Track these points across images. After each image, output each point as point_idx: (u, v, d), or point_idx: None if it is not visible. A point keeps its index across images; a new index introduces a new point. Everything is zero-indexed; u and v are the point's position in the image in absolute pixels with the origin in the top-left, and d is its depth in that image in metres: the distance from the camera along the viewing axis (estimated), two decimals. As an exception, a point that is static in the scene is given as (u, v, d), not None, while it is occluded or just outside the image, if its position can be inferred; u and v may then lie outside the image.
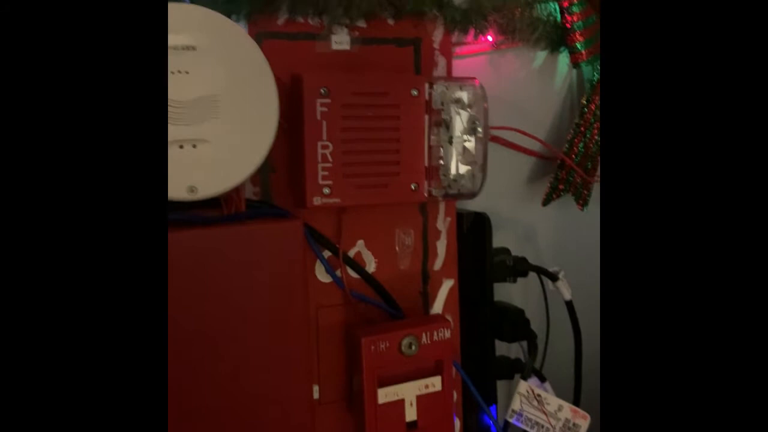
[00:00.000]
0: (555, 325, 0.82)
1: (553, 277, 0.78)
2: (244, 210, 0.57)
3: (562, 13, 0.76)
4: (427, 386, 0.65)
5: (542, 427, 0.70)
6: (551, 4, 0.76)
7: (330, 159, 0.59)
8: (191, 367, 0.53)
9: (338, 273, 0.65)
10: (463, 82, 0.64)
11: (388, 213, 0.69)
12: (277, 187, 0.64)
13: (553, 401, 0.70)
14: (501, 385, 0.80)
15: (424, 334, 0.65)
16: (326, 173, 0.59)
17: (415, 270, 0.71)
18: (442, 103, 0.63)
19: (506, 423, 0.72)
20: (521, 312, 0.77)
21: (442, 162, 0.64)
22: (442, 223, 0.72)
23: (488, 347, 0.76)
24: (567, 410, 0.70)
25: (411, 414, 0.65)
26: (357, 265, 0.67)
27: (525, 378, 0.72)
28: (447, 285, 0.72)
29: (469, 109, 0.64)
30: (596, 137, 0.80)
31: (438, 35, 0.70)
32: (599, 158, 0.80)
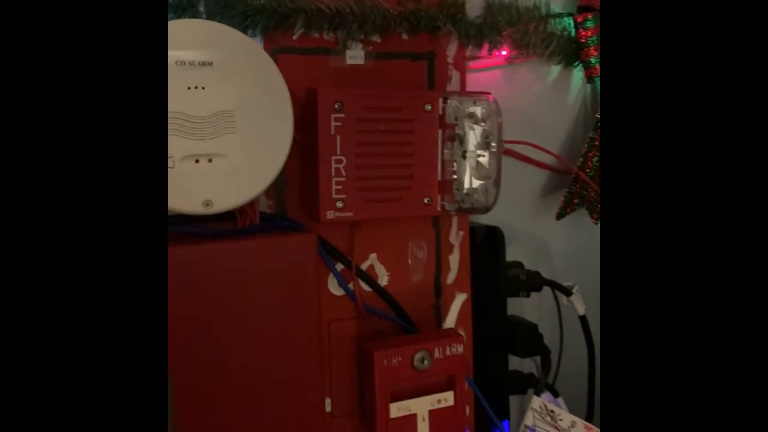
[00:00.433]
0: (569, 340, 0.81)
1: (567, 292, 0.77)
2: (258, 223, 0.57)
3: (576, 28, 0.76)
4: (439, 401, 0.65)
5: (555, 443, 0.70)
6: (566, 19, 0.76)
7: (343, 173, 0.60)
8: (202, 380, 0.53)
9: (351, 286, 0.65)
10: (476, 96, 0.65)
11: (401, 226, 0.69)
12: (291, 201, 0.64)
13: (566, 417, 0.70)
14: (514, 401, 0.79)
15: (436, 349, 0.65)
16: (339, 187, 0.60)
17: (428, 283, 0.71)
18: (456, 118, 0.63)
19: (519, 438, 0.72)
20: (534, 327, 0.76)
21: (455, 176, 0.64)
22: (455, 236, 0.72)
23: (501, 362, 0.76)
24: (580, 426, 0.69)
25: (423, 429, 0.64)
26: (369, 278, 0.67)
27: (538, 393, 0.72)
28: (460, 299, 0.72)
29: (482, 124, 0.64)
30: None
31: (452, 50, 0.70)
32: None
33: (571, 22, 0.76)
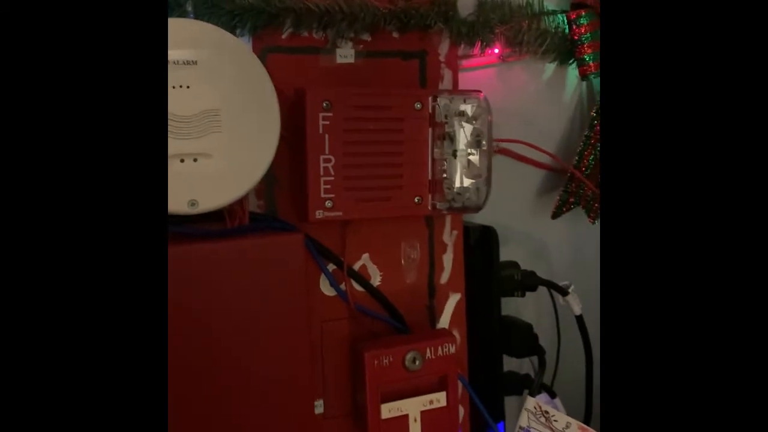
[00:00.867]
0: (566, 340, 0.81)
1: (563, 292, 0.77)
2: (247, 223, 0.57)
3: (569, 25, 0.76)
4: (431, 402, 0.65)
5: (550, 444, 0.69)
6: (559, 16, 0.76)
7: (332, 172, 0.59)
8: (192, 380, 0.53)
9: (343, 286, 0.65)
10: (467, 95, 0.64)
11: (393, 226, 0.68)
12: (282, 201, 0.64)
13: (561, 418, 0.69)
14: (512, 402, 0.78)
15: (428, 349, 0.64)
16: (328, 186, 0.59)
17: (422, 284, 0.70)
18: (446, 116, 0.63)
19: (514, 439, 0.71)
20: (529, 327, 0.76)
21: (446, 175, 0.63)
22: (449, 236, 0.71)
23: (496, 362, 0.75)
24: (575, 427, 0.68)
25: (415, 430, 0.64)
26: (362, 278, 0.67)
27: (533, 394, 0.71)
28: (454, 299, 0.72)
29: (473, 122, 0.64)
30: (606, 150, 0.79)
31: (444, 48, 0.70)
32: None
33: (565, 19, 0.76)
